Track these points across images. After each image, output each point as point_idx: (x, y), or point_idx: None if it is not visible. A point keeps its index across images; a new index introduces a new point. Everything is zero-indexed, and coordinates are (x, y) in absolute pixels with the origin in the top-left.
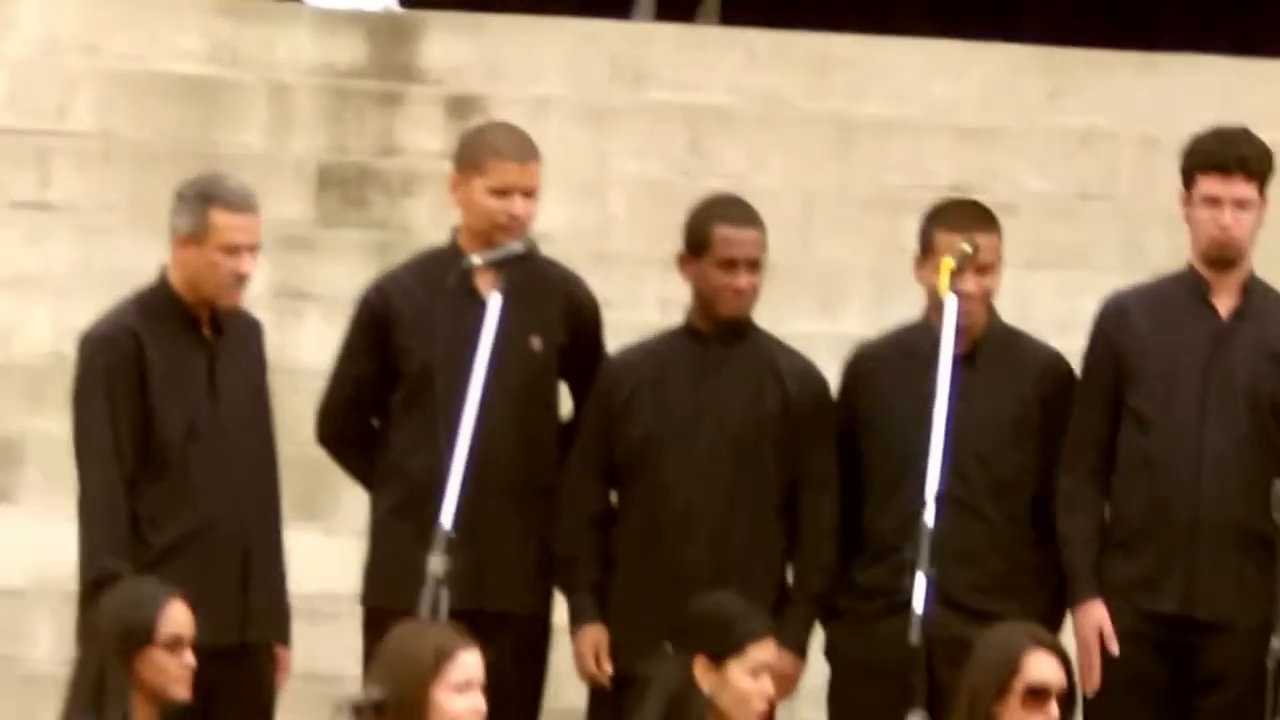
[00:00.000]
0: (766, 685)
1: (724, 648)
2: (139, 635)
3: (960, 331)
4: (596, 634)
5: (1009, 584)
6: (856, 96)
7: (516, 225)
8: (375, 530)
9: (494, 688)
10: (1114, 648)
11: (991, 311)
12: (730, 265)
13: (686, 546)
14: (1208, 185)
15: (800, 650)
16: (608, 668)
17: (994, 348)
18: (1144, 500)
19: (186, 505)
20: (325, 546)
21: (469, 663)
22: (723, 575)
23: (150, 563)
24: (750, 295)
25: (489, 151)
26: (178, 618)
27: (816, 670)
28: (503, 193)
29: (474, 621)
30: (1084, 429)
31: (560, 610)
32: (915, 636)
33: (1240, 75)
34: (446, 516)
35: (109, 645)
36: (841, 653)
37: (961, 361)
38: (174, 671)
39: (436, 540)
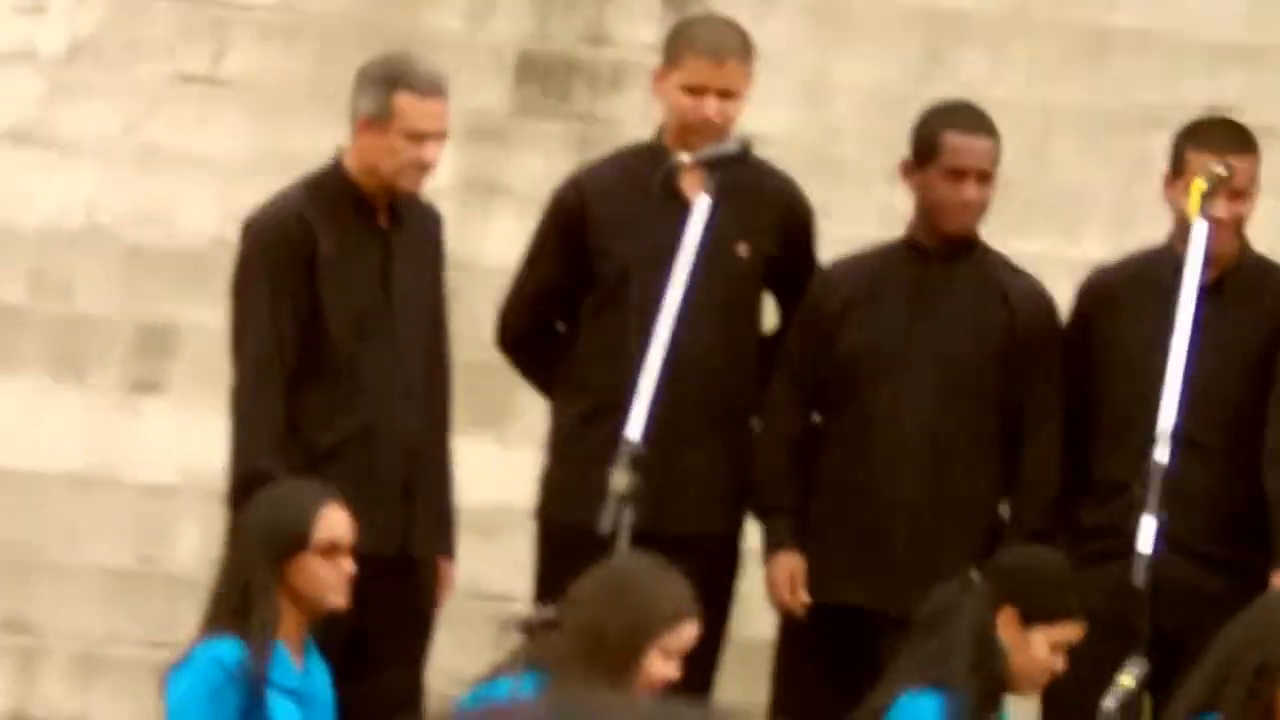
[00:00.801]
0: (1059, 662)
1: (1038, 612)
2: (292, 540)
3: (1208, 259)
4: (792, 561)
5: (1244, 529)
6: (1109, 6)
7: (709, 127)
8: (555, 441)
9: None
10: None
11: (1243, 240)
12: (958, 175)
13: (895, 474)
14: None
15: None
16: (803, 597)
17: (1243, 279)
18: None
19: (350, 405)
20: (498, 457)
21: (688, 634)
22: (933, 506)
23: (307, 464)
24: (977, 209)
25: (687, 45)
26: (335, 521)
27: None
28: (696, 90)
29: (657, 544)
30: None
31: (751, 536)
32: (1140, 579)
33: None
34: (634, 429)
35: (258, 550)
36: None
37: (1207, 291)
38: (330, 579)
39: (621, 454)
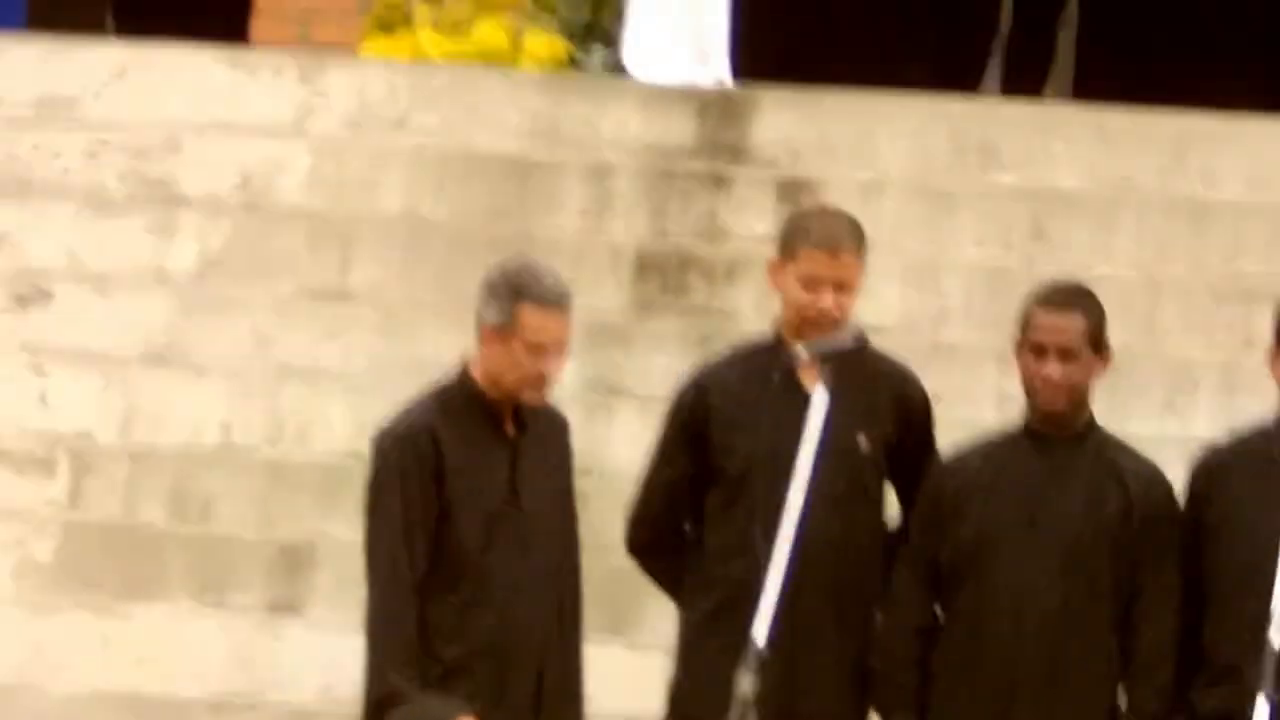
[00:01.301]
0: None
1: None
2: None
3: None
4: None
5: None
6: (1212, 179)
7: (826, 320)
8: (684, 641)
9: None
10: None
11: None
12: (1039, 351)
13: (1014, 660)
14: None
15: None
16: None
17: None
18: None
19: (481, 616)
20: (629, 663)
21: None
22: (1051, 693)
23: (439, 678)
24: (1063, 388)
25: (802, 238)
26: None
27: None
28: (813, 283)
29: None
30: None
31: None
32: None
33: None
34: (760, 629)
35: None
36: None
37: None
38: None
39: (748, 657)
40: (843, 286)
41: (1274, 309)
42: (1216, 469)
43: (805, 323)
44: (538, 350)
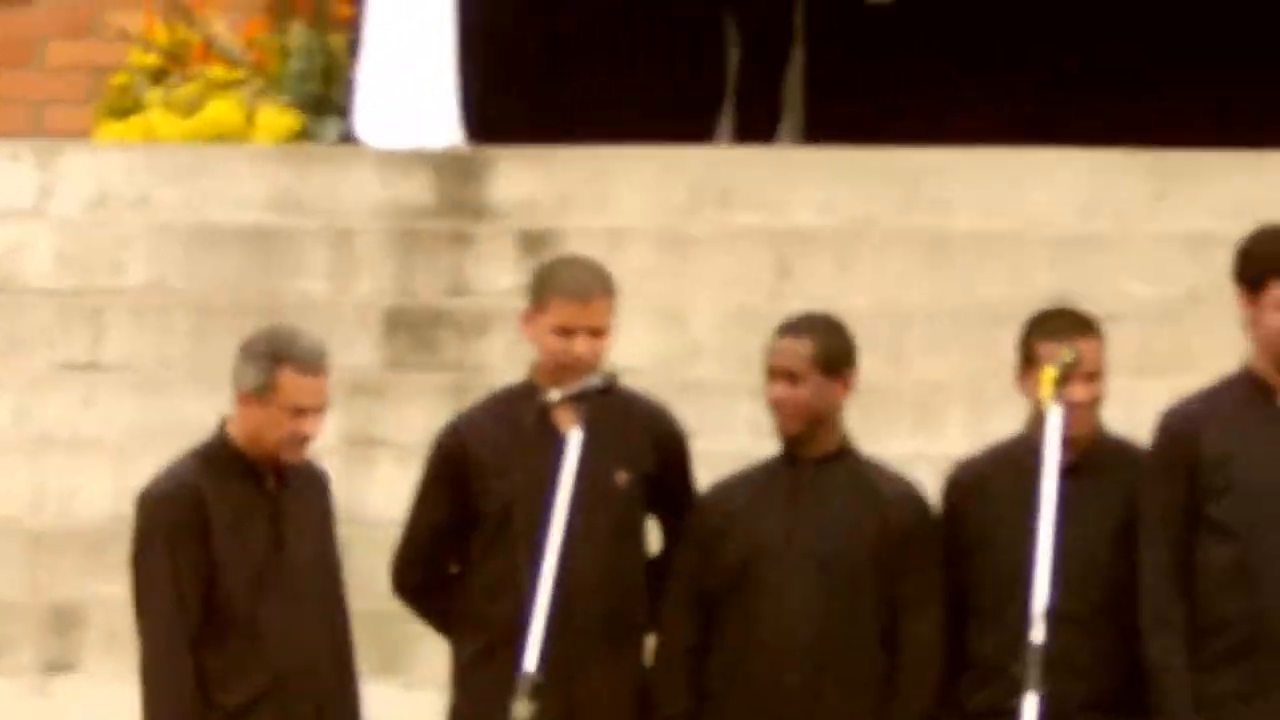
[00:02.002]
0: None
1: None
2: None
3: (1067, 442)
4: None
5: (1122, 700)
6: (948, 211)
7: (581, 365)
8: (457, 679)
9: None
10: None
11: (1098, 422)
12: (769, 374)
13: (781, 675)
14: None
15: None
16: None
17: (1102, 458)
18: (1237, 615)
19: (255, 663)
20: (405, 701)
21: None
22: (819, 704)
23: None
24: (786, 408)
25: (552, 289)
26: None
27: None
28: (566, 331)
29: None
30: (1163, 542)
31: None
32: None
33: None
34: (530, 661)
35: None
36: None
37: (1069, 473)
38: None
39: (521, 686)
40: (596, 332)
41: (1018, 331)
42: (972, 482)
43: (560, 369)
44: (298, 412)
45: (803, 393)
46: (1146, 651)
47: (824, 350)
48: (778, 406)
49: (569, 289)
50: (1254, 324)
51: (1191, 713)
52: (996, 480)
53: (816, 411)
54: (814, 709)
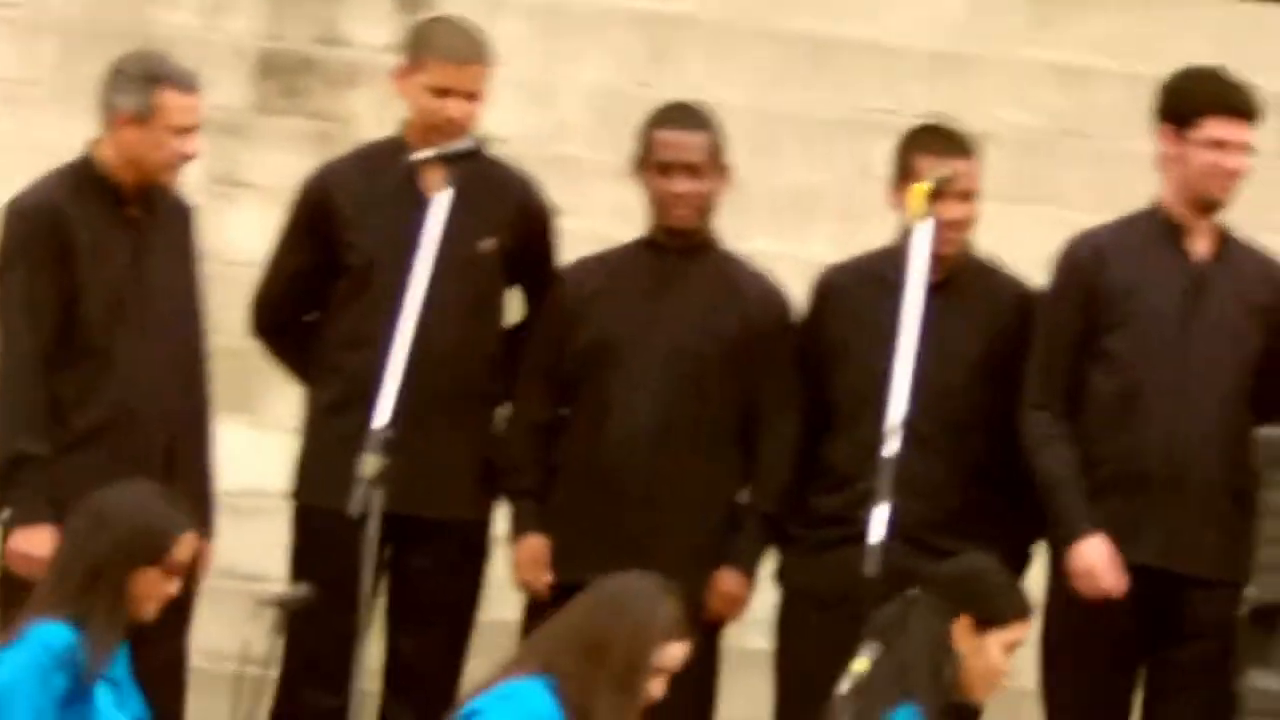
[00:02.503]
0: (1007, 664)
1: (992, 617)
2: (153, 552)
3: (936, 259)
4: (537, 543)
5: (965, 522)
6: (830, 14)
7: (453, 128)
8: (309, 426)
9: (428, 596)
10: (1120, 582)
11: (967, 243)
12: (666, 170)
13: (629, 459)
14: (1217, 129)
15: (749, 572)
16: (547, 578)
17: (968, 279)
18: (1122, 448)
19: (108, 387)
20: (254, 441)
21: (678, 653)
22: (664, 491)
23: (69, 445)
24: (692, 202)
25: (429, 49)
26: (189, 547)
27: (767, 600)
28: (440, 93)
29: (410, 527)
30: (1054, 368)
31: (500, 521)
32: (871, 568)
33: (1229, 19)
34: (382, 416)
35: (117, 549)
36: (792, 579)
37: (933, 291)
38: (159, 596)
39: (371, 440)
40: (470, 96)
41: (893, 143)
42: (836, 289)
43: (431, 130)
44: (179, 132)
45: (704, 186)
46: (1037, 468)
47: (715, 144)
48: (682, 200)
49: (447, 50)
50: (1176, 161)
51: (1089, 522)
52: (862, 290)
53: (711, 205)
54: (656, 496)
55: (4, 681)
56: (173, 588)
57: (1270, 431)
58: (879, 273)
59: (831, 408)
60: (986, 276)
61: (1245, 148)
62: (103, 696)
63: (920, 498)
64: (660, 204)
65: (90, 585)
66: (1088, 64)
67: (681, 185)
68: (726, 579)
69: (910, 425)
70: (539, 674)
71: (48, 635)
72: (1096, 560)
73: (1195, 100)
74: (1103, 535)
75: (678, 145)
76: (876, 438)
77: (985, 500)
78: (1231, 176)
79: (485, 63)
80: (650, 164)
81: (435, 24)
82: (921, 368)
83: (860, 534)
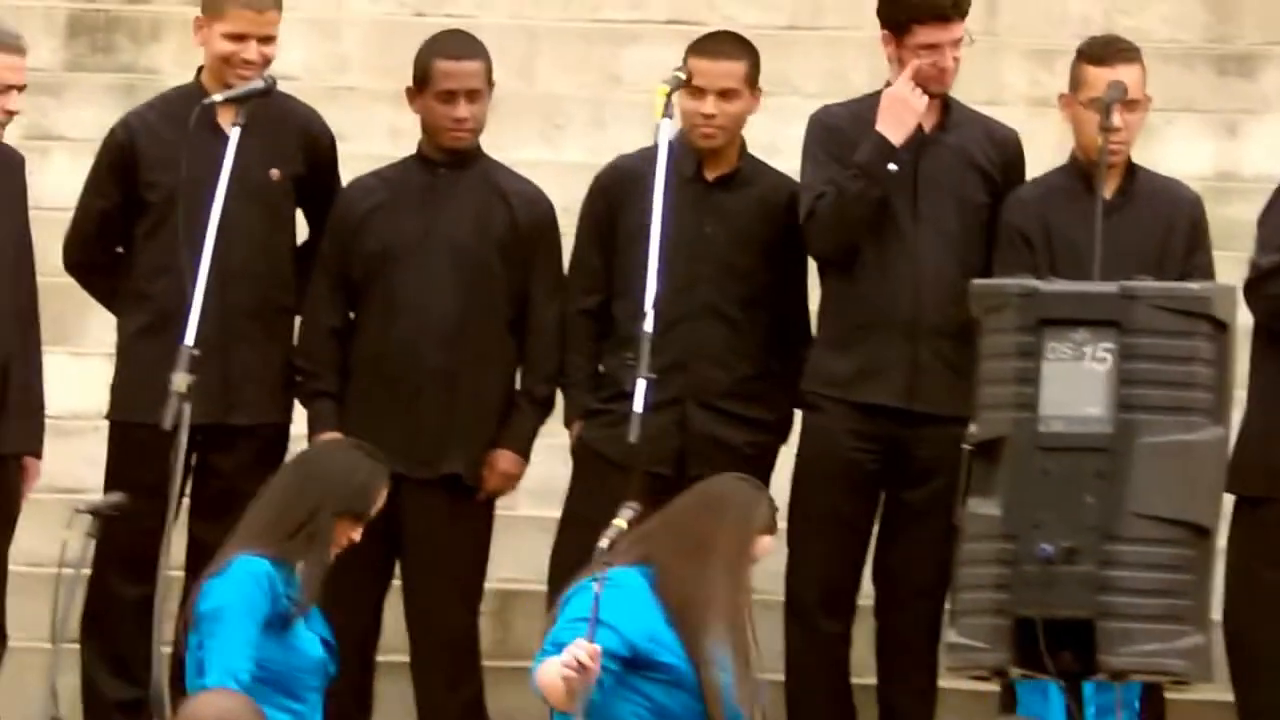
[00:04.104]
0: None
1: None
2: (361, 507)
3: (714, 153)
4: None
5: (756, 388)
6: None
7: (251, 69)
8: (122, 350)
9: (229, 492)
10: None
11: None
12: (449, 96)
13: (420, 357)
14: (927, 34)
15: (523, 451)
16: None
17: (746, 172)
18: (862, 300)
19: None
20: (73, 367)
21: (768, 545)
22: (454, 382)
23: None
24: (471, 124)
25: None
26: (380, 501)
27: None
28: (239, 38)
29: (219, 433)
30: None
31: (299, 420)
32: (634, 435)
33: None
34: (189, 336)
35: (330, 499)
36: (587, 445)
37: (719, 183)
38: (345, 543)
39: (180, 358)
40: (266, 40)
41: (635, 52)
42: (629, 178)
43: (231, 72)
44: (5, 90)
45: (480, 108)
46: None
47: (489, 66)
48: (465, 124)
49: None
50: (899, 61)
51: None
52: (636, 185)
53: (484, 124)
54: (451, 387)
55: (215, 605)
56: (358, 534)
57: (985, 282)
58: (648, 170)
59: (622, 283)
60: (757, 167)
61: (955, 44)
62: (303, 631)
63: (718, 366)
64: (440, 127)
65: (301, 531)
66: None
67: (463, 110)
68: (503, 458)
69: (708, 301)
70: (639, 564)
71: (253, 567)
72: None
73: (907, 10)
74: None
75: (459, 74)
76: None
77: (770, 368)
78: (945, 72)
79: (278, 10)
80: (432, 91)
81: None
82: (712, 251)
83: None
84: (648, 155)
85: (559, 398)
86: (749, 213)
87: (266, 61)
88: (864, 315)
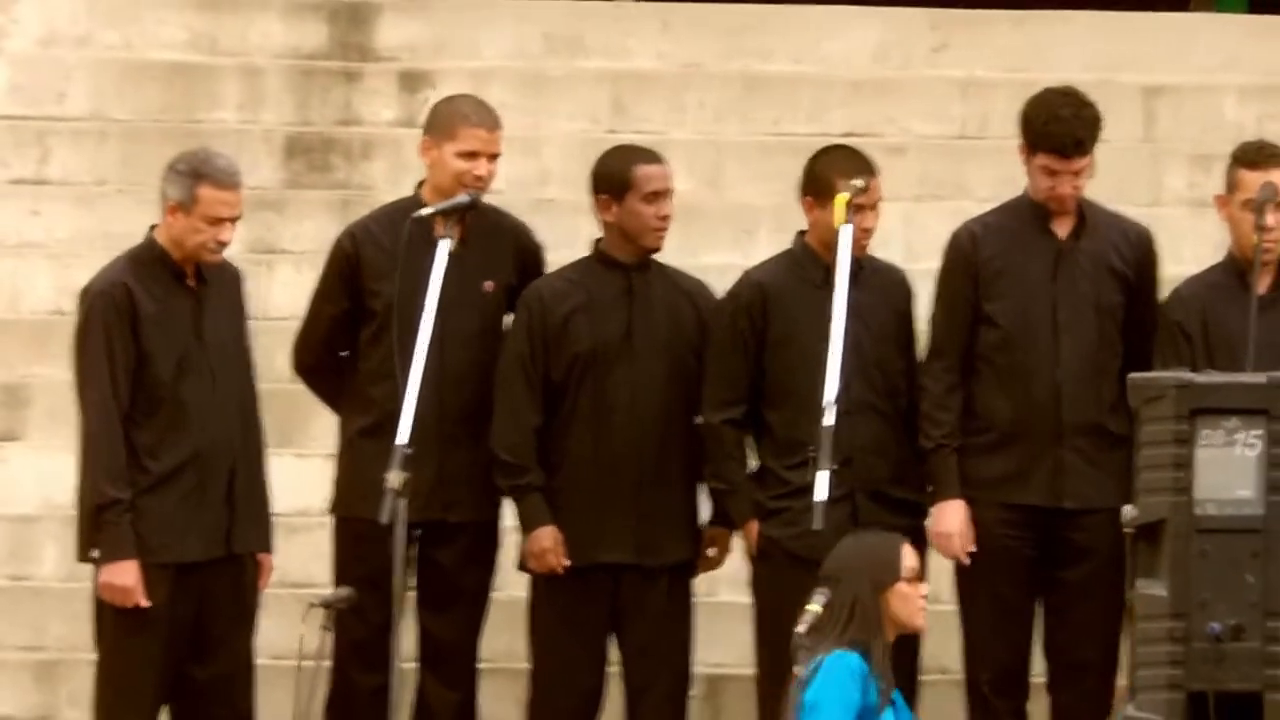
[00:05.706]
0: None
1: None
2: (891, 575)
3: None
4: (552, 533)
5: (905, 473)
6: (762, 57)
7: (481, 185)
8: (344, 450)
9: (450, 585)
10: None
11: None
12: (654, 198)
13: (632, 449)
14: (1048, 161)
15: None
16: (565, 561)
17: (867, 270)
18: (1009, 404)
19: (179, 436)
20: (299, 468)
21: (912, 561)
22: (664, 471)
23: (148, 488)
24: (668, 224)
25: (461, 119)
26: (911, 556)
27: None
28: (471, 155)
29: (438, 528)
30: (951, 326)
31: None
32: (818, 522)
33: (1101, 27)
34: (403, 436)
35: (864, 579)
36: (774, 543)
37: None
38: (916, 601)
39: (395, 457)
40: (494, 158)
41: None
42: (766, 291)
43: (463, 188)
44: (214, 222)
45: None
46: (921, 428)
47: None
48: (667, 223)
49: (478, 119)
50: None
51: (954, 489)
52: (792, 287)
53: None
54: (659, 473)
55: (816, 696)
56: (923, 590)
57: (1142, 375)
58: (806, 274)
59: (783, 391)
60: (878, 266)
61: (1076, 174)
62: (888, 711)
63: (879, 456)
64: (646, 228)
65: (855, 615)
66: (981, 77)
67: (667, 208)
68: (722, 537)
69: (859, 397)
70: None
71: (845, 660)
72: (955, 526)
73: (1032, 137)
74: (963, 502)
75: (661, 176)
76: (818, 411)
77: (912, 452)
78: (1063, 199)
79: (502, 129)
80: (636, 194)
81: (459, 100)
82: (855, 346)
83: (834, 499)
84: (777, 267)
85: None
86: (875, 307)
87: (492, 177)
88: (1009, 423)
